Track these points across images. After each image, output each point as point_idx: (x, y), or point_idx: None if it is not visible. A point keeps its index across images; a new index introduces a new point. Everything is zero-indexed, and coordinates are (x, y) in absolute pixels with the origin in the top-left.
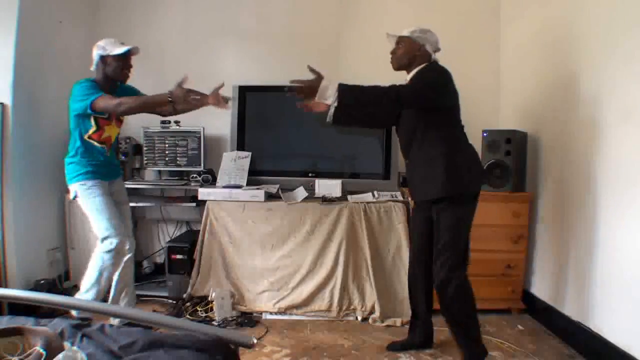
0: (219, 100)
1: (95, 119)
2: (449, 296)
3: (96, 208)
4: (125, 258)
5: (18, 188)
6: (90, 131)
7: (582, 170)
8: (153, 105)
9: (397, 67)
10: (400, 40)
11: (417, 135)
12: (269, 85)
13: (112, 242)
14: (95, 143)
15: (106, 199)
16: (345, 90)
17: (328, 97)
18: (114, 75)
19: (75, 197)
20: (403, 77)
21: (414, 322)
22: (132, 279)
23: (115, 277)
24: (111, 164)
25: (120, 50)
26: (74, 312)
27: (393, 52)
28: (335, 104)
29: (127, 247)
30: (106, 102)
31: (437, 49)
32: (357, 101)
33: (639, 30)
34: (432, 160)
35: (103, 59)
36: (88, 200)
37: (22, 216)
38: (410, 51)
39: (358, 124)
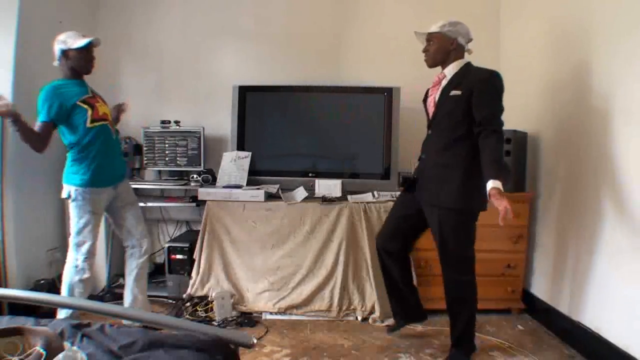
0: (120, 111)
1: (84, 101)
2: (458, 296)
3: (79, 223)
4: (140, 261)
5: (18, 188)
6: (89, 115)
7: (582, 170)
8: (24, 132)
9: (433, 64)
10: (431, 37)
11: (447, 136)
12: (269, 85)
13: (76, 259)
14: (97, 123)
15: (94, 218)
16: (502, 177)
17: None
18: (78, 69)
19: (68, 197)
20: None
21: (396, 301)
22: (145, 285)
23: (129, 282)
24: (117, 159)
25: (81, 42)
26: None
27: (426, 50)
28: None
29: (128, 262)
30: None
31: (470, 40)
32: (503, 166)
33: None
34: (453, 169)
35: (65, 53)
36: (76, 210)
37: (22, 216)
38: (444, 47)
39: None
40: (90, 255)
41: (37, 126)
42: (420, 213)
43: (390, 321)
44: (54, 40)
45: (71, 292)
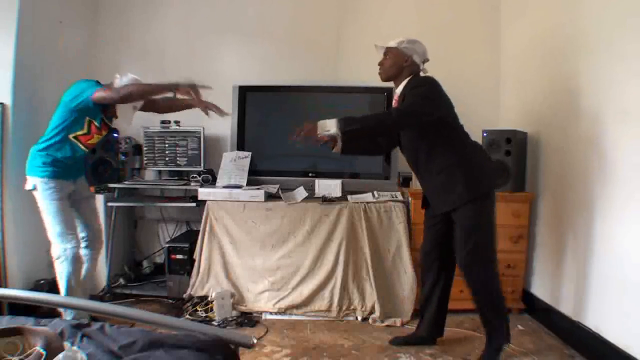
0: (207, 108)
1: (89, 124)
2: (480, 292)
3: (52, 211)
4: (93, 259)
5: (18, 188)
6: (79, 132)
7: (582, 170)
8: (155, 92)
9: (385, 78)
10: (388, 51)
11: (422, 151)
12: (269, 85)
13: (65, 249)
14: (80, 145)
15: (63, 204)
16: (345, 120)
17: (329, 127)
18: (107, 110)
19: (34, 189)
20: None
21: (421, 320)
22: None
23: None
24: (79, 164)
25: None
26: (67, 317)
27: (381, 64)
28: (340, 134)
29: (83, 252)
30: (106, 91)
31: (426, 60)
32: (359, 128)
33: (638, 28)
34: (445, 171)
35: (114, 100)
36: (45, 201)
37: (22, 216)
38: (398, 62)
39: (365, 152)
40: (76, 239)
41: (100, 90)
42: (446, 220)
43: (390, 321)
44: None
45: (69, 284)
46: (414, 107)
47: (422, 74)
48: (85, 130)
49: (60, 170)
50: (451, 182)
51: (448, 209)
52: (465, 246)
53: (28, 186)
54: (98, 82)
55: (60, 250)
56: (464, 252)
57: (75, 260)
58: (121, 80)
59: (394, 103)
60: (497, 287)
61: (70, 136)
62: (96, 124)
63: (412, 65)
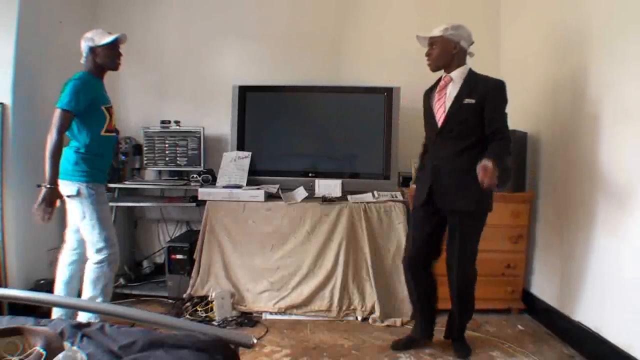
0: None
1: (107, 109)
2: (467, 288)
3: (100, 216)
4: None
5: (18, 188)
6: (105, 124)
7: (581, 170)
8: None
9: (435, 68)
10: (434, 41)
11: (464, 144)
12: (269, 85)
13: (111, 254)
14: (109, 134)
15: (108, 208)
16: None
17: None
18: (105, 64)
19: (77, 195)
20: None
21: (418, 319)
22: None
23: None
24: (110, 163)
25: (107, 39)
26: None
27: (428, 54)
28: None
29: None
30: (56, 120)
31: (471, 43)
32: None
33: (638, 29)
34: (469, 173)
35: (92, 50)
36: (92, 206)
37: (22, 216)
38: (447, 51)
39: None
40: (117, 245)
41: (58, 114)
42: (440, 223)
43: (390, 321)
44: (81, 38)
45: (106, 289)
46: (505, 121)
47: (468, 57)
48: (108, 119)
49: (100, 176)
50: (469, 186)
51: (455, 208)
52: (461, 249)
53: (71, 191)
54: (78, 80)
55: (105, 255)
56: (460, 255)
57: (114, 265)
58: (86, 43)
59: (442, 84)
60: (474, 287)
61: (103, 132)
62: (108, 105)
63: (460, 51)
